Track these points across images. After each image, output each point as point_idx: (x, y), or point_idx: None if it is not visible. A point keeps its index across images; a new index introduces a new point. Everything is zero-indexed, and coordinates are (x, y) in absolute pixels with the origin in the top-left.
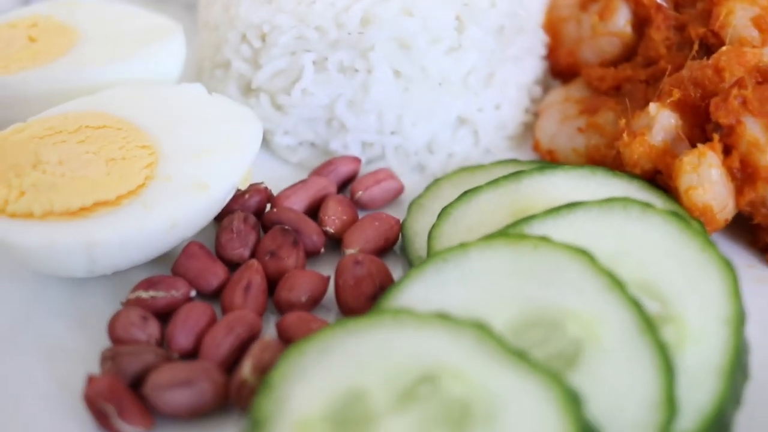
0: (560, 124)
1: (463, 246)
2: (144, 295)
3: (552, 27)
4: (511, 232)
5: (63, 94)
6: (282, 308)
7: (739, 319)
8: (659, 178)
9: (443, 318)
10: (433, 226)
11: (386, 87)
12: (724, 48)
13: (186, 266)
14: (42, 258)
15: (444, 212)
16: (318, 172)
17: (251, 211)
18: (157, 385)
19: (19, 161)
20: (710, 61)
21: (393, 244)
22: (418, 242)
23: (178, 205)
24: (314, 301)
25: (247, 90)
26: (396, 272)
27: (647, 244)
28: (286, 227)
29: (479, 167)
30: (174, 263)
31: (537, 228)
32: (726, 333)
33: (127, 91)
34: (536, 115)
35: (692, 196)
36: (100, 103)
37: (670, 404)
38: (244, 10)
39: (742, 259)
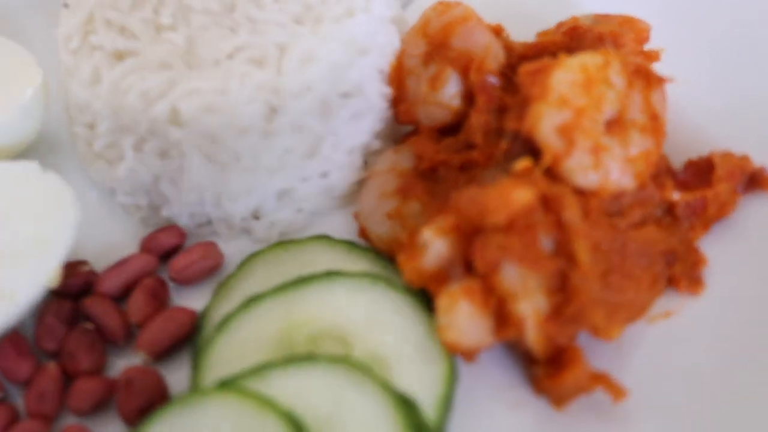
0: (377, 201)
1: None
2: None
3: (397, 76)
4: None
5: None
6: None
7: None
8: None
9: None
10: (211, 338)
11: (200, 171)
12: (496, 184)
13: None
14: None
15: (226, 322)
16: (144, 246)
17: (71, 295)
18: None
19: None
20: (478, 197)
21: (185, 340)
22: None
23: None
24: (97, 408)
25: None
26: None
27: (355, 408)
28: (89, 327)
29: (293, 243)
30: None
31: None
32: None
33: None
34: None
35: (443, 334)
36: None
37: None
38: (75, 87)
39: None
